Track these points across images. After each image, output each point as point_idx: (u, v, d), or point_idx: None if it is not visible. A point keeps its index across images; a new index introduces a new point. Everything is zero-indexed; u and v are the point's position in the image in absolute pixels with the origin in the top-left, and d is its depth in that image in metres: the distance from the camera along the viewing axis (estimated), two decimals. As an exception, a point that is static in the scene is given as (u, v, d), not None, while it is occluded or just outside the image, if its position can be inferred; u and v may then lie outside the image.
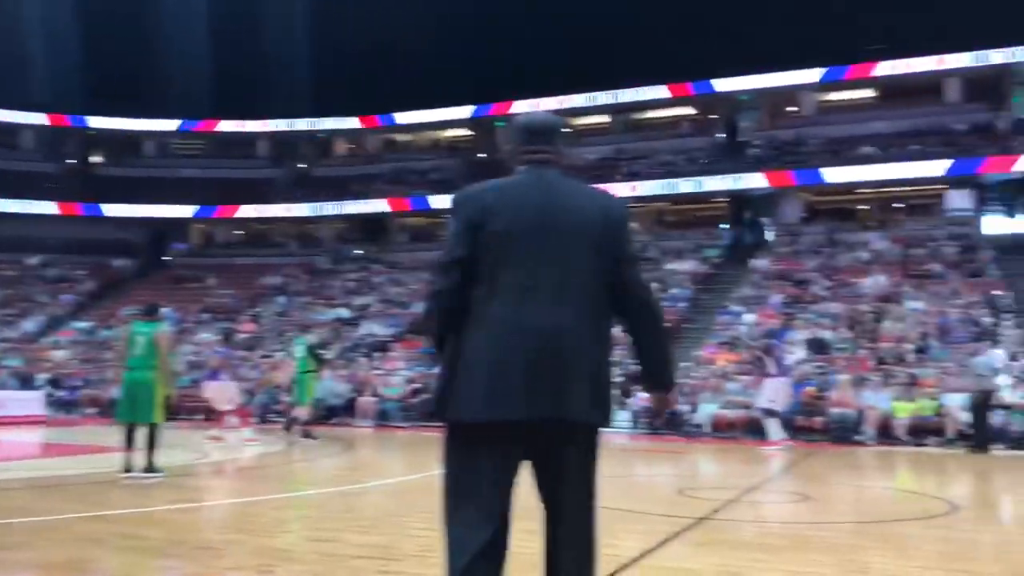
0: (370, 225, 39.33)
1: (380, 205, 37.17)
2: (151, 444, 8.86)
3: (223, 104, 42.65)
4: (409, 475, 10.13)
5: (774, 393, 14.44)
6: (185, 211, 39.10)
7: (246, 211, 39.08)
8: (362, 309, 28.11)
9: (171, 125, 41.91)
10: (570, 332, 2.78)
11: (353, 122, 41.60)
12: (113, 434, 10.05)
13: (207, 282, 34.85)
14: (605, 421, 2.90)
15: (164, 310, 17.85)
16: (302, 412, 15.09)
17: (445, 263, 2.86)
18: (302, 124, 41.94)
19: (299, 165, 42.89)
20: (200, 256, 39.38)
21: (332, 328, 25.58)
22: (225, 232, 41.40)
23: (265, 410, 20.12)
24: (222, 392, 15.29)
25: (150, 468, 8.79)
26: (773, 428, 14.52)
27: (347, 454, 12.88)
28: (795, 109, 36.44)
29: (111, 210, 38.20)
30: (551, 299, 2.79)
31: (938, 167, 29.06)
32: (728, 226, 33.32)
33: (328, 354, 20.73)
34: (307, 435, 14.66)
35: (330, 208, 37.90)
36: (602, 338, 2.89)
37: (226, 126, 42.08)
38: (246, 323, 28.75)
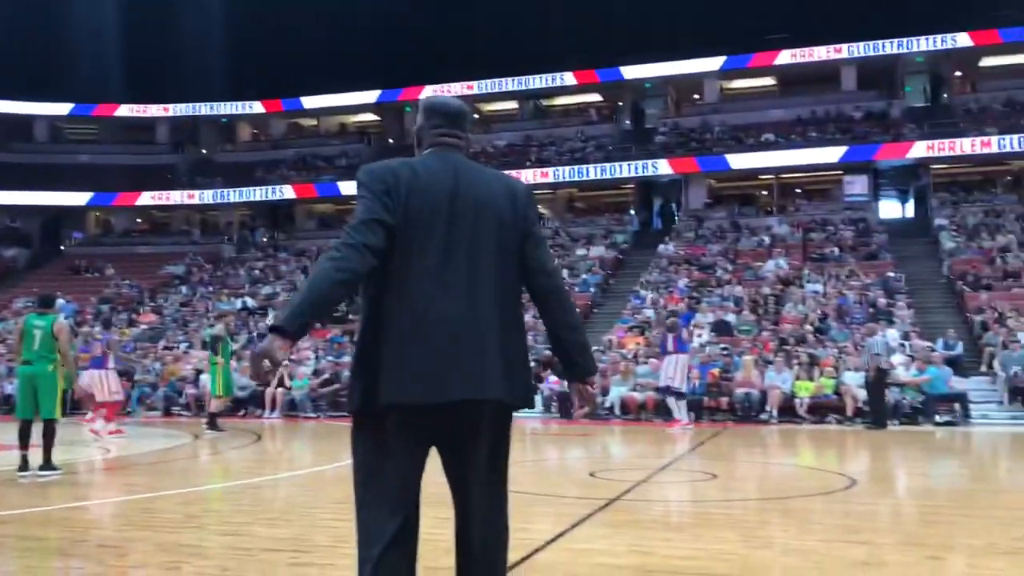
0: (276, 212, 38.63)
1: (285, 191, 36.49)
2: (48, 440, 8.53)
3: (122, 88, 41.23)
4: (319, 466, 9.99)
5: (671, 370, 14.72)
6: (80, 198, 37.71)
7: (146, 198, 37.92)
8: (269, 298, 27.58)
9: (63, 109, 40.34)
10: (486, 315, 2.76)
11: (256, 106, 40.76)
12: (6, 431, 9.65)
13: (106, 272, 33.69)
14: (526, 402, 2.89)
15: (60, 301, 17.02)
16: (212, 403, 14.87)
17: (365, 220, 2.68)
18: (204, 109, 40.88)
19: (201, 151, 41.82)
20: (98, 245, 38.05)
21: (239, 318, 25.03)
22: (124, 220, 40.07)
23: (169, 403, 19.62)
24: (102, 381, 13.79)
25: (47, 465, 8.47)
26: (675, 408, 14.84)
27: (255, 446, 12.64)
28: (699, 97, 37.20)
29: (1, 197, 36.60)
30: (466, 282, 2.76)
31: (835, 153, 30.08)
32: (635, 212, 33.83)
33: (234, 344, 20.29)
34: (212, 426, 14.39)
35: (233, 195, 37.05)
36: (516, 320, 2.89)
37: (125, 110, 40.74)
38: (147, 314, 27.92)
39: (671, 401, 14.96)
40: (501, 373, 2.78)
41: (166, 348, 23.31)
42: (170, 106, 40.71)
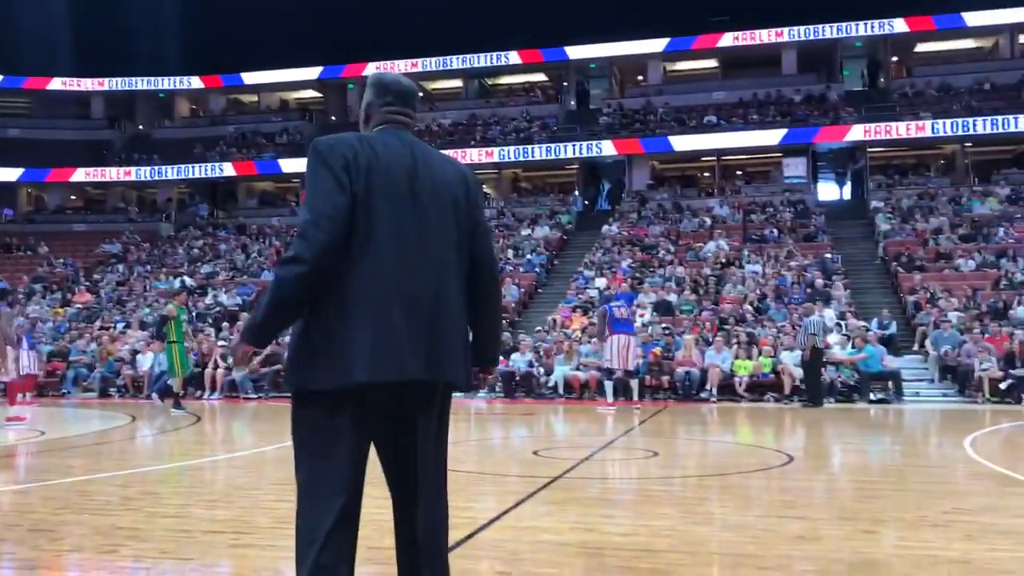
0: (215, 190, 37.96)
1: (225, 169, 35.81)
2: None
3: (56, 60, 40.04)
4: (260, 447, 9.90)
5: (608, 352, 14.92)
6: (11, 174, 36.64)
7: (80, 175, 36.96)
8: (208, 277, 27.14)
9: (-8, 81, 39.09)
10: (444, 295, 2.76)
11: (195, 82, 39.93)
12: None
13: (39, 250, 32.81)
14: (469, 384, 2.92)
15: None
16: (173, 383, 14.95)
17: (326, 214, 2.59)
18: (140, 83, 39.93)
19: (138, 126, 40.88)
20: (30, 223, 36.98)
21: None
22: (58, 197, 39.00)
23: (105, 383, 19.24)
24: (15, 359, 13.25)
25: (-23, 449, 8.26)
26: (608, 389, 15.08)
27: (195, 427, 12.46)
28: (643, 78, 37.40)
29: (-75, 174, 35.45)
30: (432, 263, 2.75)
31: (775, 136, 30.52)
32: (579, 193, 33.94)
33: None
34: (177, 405, 14.42)
35: (171, 172, 36.28)
36: (463, 303, 2.88)
37: (58, 84, 39.58)
38: (82, 293, 27.28)
39: (606, 383, 15.21)
40: (459, 354, 2.80)
41: (102, 328, 22.81)
42: (105, 80, 39.69)
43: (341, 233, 2.60)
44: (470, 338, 2.96)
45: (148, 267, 29.55)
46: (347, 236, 2.62)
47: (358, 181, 2.65)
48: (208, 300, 24.54)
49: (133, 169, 36.71)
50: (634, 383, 15.24)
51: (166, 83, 40.01)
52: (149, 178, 36.80)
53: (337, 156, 2.66)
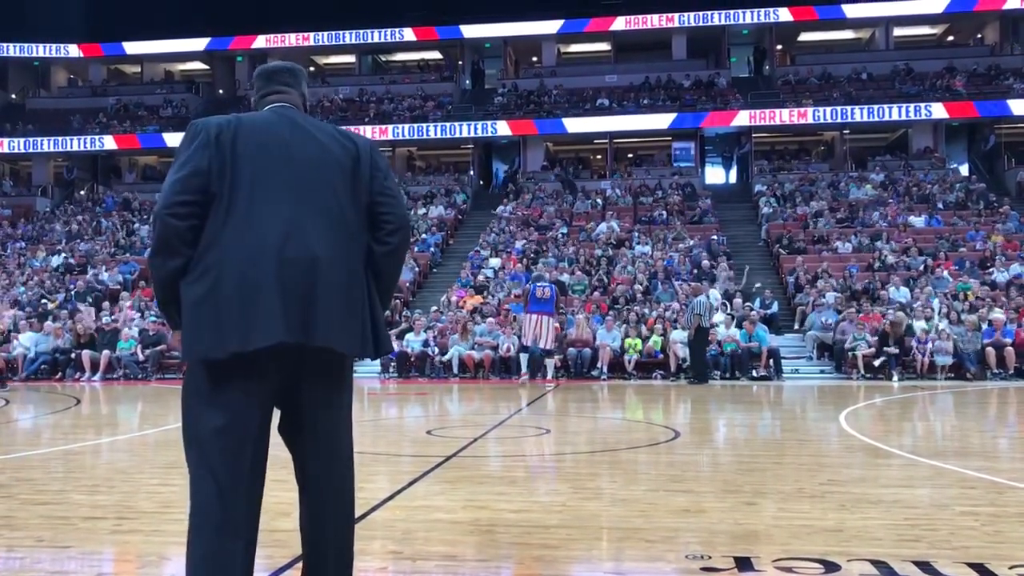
0: (97, 164, 36.36)
1: (106, 142, 34.29)
2: None
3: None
4: (144, 430, 9.59)
5: (525, 328, 15.13)
6: None
7: (-54, 146, 34.84)
8: (88, 256, 26.01)
9: None
10: (326, 260, 2.71)
11: (73, 50, 38.08)
12: None
13: (-100, 225, 30.81)
14: (366, 351, 2.85)
15: None
16: None
17: (182, 176, 2.67)
18: (12, 49, 37.81)
19: (10, 96, 38.77)
20: None
21: (56, 276, 23.55)
22: (-79, 168, 36.68)
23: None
24: None
25: None
26: (523, 363, 15.28)
27: (73, 410, 11.98)
28: (537, 59, 37.56)
29: None
30: (304, 227, 2.71)
31: (664, 120, 31.12)
32: (474, 172, 33.91)
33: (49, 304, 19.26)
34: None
35: (48, 144, 34.52)
36: (354, 269, 2.82)
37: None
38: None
39: (521, 357, 15.38)
40: (342, 320, 2.73)
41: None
42: (-27, 46, 37.48)
43: (197, 189, 2.66)
44: (373, 303, 2.87)
45: (23, 244, 28.14)
46: (205, 195, 2.66)
47: (224, 150, 2.71)
48: (88, 278, 23.52)
49: (5, 140, 34.78)
50: (549, 362, 15.46)
51: (41, 51, 38.02)
52: (23, 150, 34.92)
53: (202, 131, 2.75)
